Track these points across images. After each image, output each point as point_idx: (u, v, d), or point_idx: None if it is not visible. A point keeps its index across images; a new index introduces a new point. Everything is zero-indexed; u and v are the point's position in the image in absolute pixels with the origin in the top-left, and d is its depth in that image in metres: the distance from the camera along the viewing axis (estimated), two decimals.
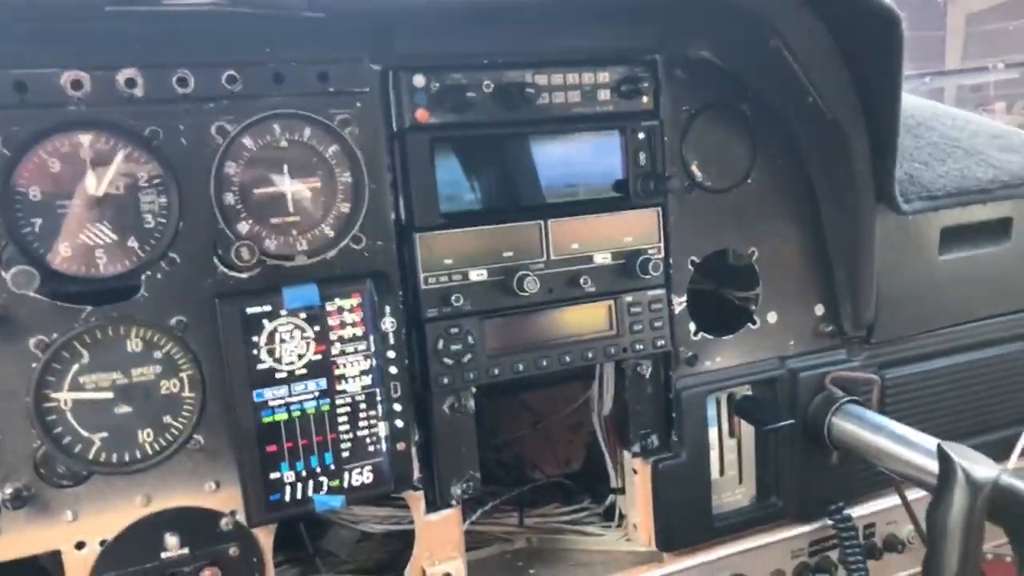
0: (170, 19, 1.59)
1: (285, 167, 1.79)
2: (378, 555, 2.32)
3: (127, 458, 1.70)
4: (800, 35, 1.88)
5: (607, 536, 2.41)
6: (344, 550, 2.33)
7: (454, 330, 1.92)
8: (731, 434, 2.37)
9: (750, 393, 2.34)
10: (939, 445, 1.73)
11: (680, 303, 2.19)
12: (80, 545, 1.69)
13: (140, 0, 1.36)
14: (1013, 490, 1.68)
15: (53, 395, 1.63)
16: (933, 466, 1.85)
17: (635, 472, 2.29)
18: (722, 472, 2.36)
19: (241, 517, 1.80)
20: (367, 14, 1.72)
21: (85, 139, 1.63)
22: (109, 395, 1.67)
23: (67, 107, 1.60)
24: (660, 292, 2.13)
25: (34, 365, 1.61)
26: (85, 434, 1.66)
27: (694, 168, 2.18)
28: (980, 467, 1.66)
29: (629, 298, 2.09)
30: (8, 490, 1.60)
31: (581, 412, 2.51)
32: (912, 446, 2.03)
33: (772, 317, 2.31)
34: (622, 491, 2.40)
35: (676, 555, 2.27)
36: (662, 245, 2.12)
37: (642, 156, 2.07)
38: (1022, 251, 2.60)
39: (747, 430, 2.38)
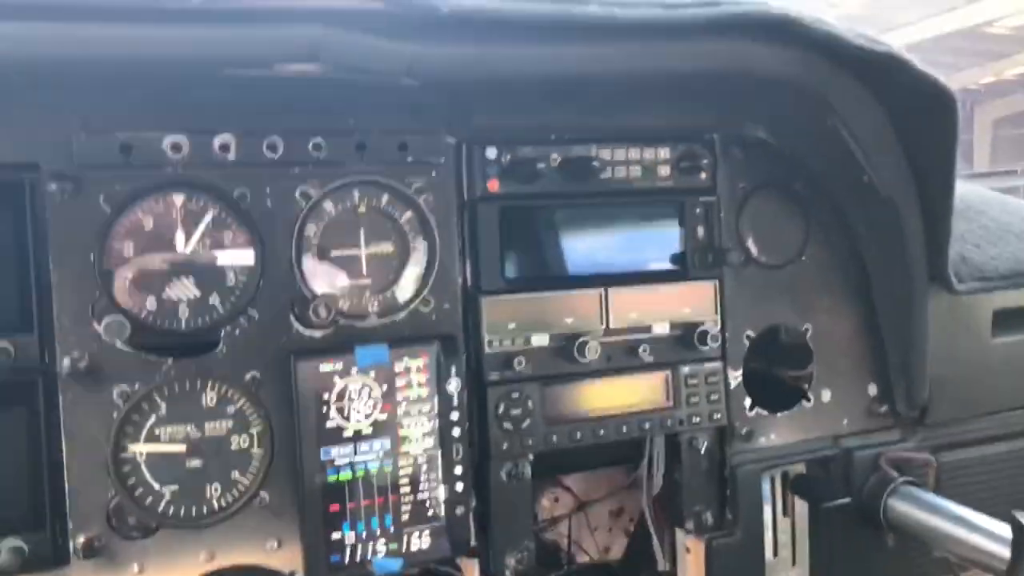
0: (265, 89, 1.70)
1: (361, 231, 1.86)
2: None
3: (194, 512, 1.72)
4: (858, 114, 1.95)
5: None
6: None
7: (515, 395, 1.95)
8: (784, 514, 2.35)
9: (804, 472, 2.32)
10: (1013, 515, 1.71)
11: (736, 377, 2.20)
12: None
13: (255, 63, 1.45)
14: None
15: (130, 446, 1.67)
16: (999, 549, 1.82)
17: (688, 551, 2.26)
18: (776, 553, 2.33)
19: None
20: (447, 88, 1.81)
21: (178, 199, 1.72)
22: (182, 448, 1.70)
23: (166, 169, 1.69)
24: (717, 365, 2.15)
25: (115, 415, 1.65)
26: (157, 487, 1.69)
27: (749, 244, 2.22)
28: None
29: (686, 369, 2.11)
30: (81, 539, 1.62)
31: (622, 498, 2.50)
32: (976, 528, 2.00)
33: (826, 395, 2.32)
34: (672, 574, 2.36)
35: None
36: (719, 318, 2.15)
37: (700, 230, 2.12)
38: None
39: (800, 510, 2.35)
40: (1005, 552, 1.81)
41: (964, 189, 2.67)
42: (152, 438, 1.68)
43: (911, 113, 1.94)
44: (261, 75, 1.50)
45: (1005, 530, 1.85)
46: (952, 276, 2.20)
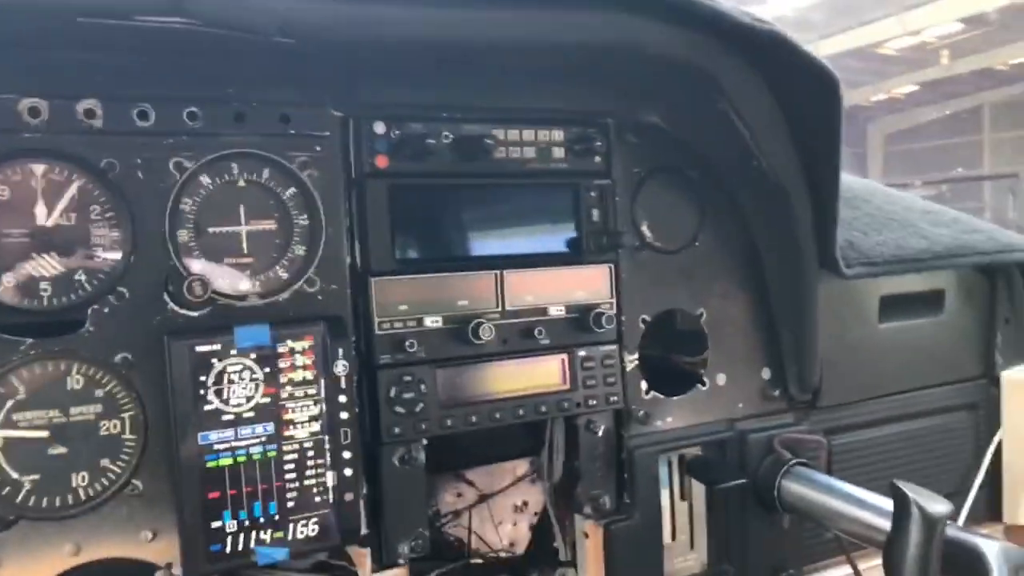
0: (134, 51, 1.61)
1: (241, 207, 1.78)
2: None
3: (58, 503, 1.60)
4: (747, 98, 1.98)
5: None
6: None
7: (407, 378, 1.89)
8: (682, 497, 2.36)
9: (700, 454, 2.33)
10: (893, 483, 1.74)
11: (632, 361, 2.20)
12: None
13: (113, 13, 1.36)
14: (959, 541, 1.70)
15: None
16: (883, 523, 1.85)
17: (586, 536, 2.24)
18: (674, 536, 2.33)
19: (178, 570, 1.69)
20: (332, 59, 1.75)
21: (39, 168, 1.61)
22: (45, 434, 1.59)
23: (23, 134, 1.58)
24: (613, 348, 2.14)
25: None
26: (15, 476, 1.57)
27: (644, 228, 2.23)
28: (934, 503, 1.68)
29: (583, 352, 2.10)
30: None
31: (526, 491, 2.47)
32: (863, 505, 2.04)
33: (721, 379, 2.34)
34: (572, 564, 2.34)
35: None
36: (614, 301, 2.15)
37: (595, 213, 2.12)
38: (953, 324, 2.71)
39: (698, 493, 2.37)
40: (888, 525, 1.85)
41: (850, 180, 2.76)
42: (9, 424, 1.56)
43: (797, 96, 1.98)
44: (125, 31, 1.41)
45: (890, 505, 1.89)
46: (840, 261, 2.26)
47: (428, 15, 1.60)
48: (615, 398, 2.14)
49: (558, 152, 2.08)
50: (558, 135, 2.08)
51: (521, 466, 2.44)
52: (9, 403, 1.57)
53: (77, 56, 1.58)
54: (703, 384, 2.31)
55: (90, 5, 1.35)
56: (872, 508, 2.01)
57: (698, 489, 2.36)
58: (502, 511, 2.53)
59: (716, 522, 2.35)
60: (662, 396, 2.26)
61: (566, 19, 1.71)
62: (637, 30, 1.76)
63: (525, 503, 2.51)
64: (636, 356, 2.21)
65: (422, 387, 1.90)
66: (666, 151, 2.24)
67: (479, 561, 2.48)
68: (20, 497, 1.57)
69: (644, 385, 2.23)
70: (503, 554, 2.53)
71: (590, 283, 2.12)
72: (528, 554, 2.55)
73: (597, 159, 2.13)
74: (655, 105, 2.18)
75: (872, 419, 2.55)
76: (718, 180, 2.28)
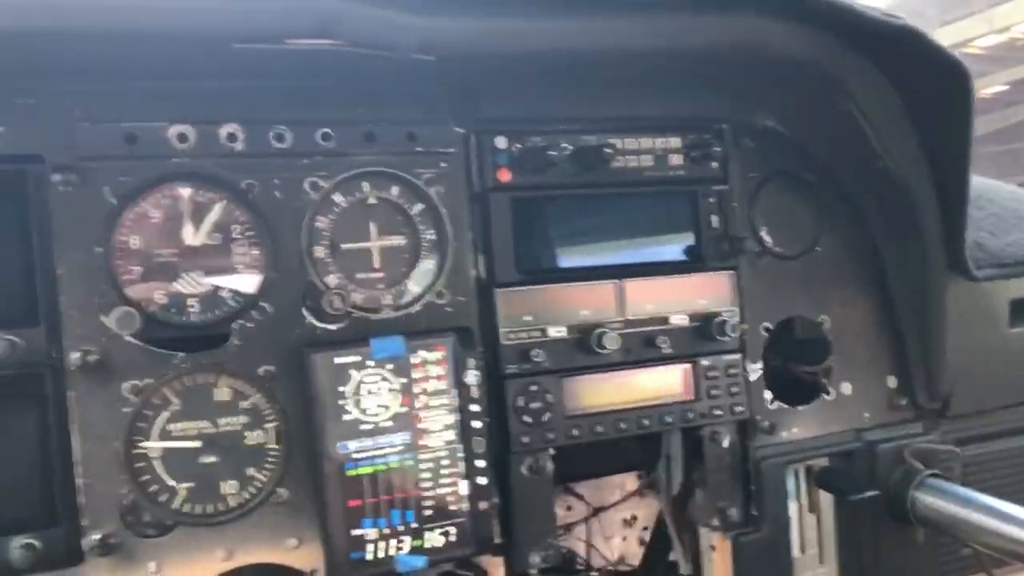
0: (271, 77, 1.68)
1: (372, 224, 1.83)
2: None
3: (211, 509, 1.67)
4: (872, 98, 1.93)
5: None
6: None
7: (533, 388, 1.90)
8: (810, 510, 2.29)
9: (827, 465, 2.27)
10: None
11: (756, 370, 2.16)
12: None
13: (267, 37, 1.43)
14: None
15: (143, 443, 1.61)
16: None
17: (713, 548, 2.20)
18: (803, 549, 2.26)
19: None
20: (456, 78, 1.79)
21: (185, 191, 1.69)
22: (197, 444, 1.65)
23: (171, 159, 1.66)
24: (736, 357, 2.11)
25: (126, 410, 1.60)
26: (171, 483, 1.64)
27: (763, 234, 2.20)
28: None
29: (706, 362, 2.07)
30: (95, 537, 1.56)
31: (635, 505, 2.43)
32: (1008, 519, 1.94)
33: (846, 388, 2.27)
34: None
35: None
36: (737, 309, 2.12)
37: (714, 219, 2.10)
38: None
39: (826, 506, 2.30)
40: None
41: (973, 179, 2.66)
42: (165, 434, 1.63)
43: (925, 92, 1.93)
44: (269, 56, 1.47)
45: None
46: (970, 263, 2.18)
47: (562, 27, 1.63)
48: (740, 408, 2.10)
49: (675, 159, 2.07)
50: (675, 142, 2.07)
51: (630, 479, 2.41)
52: (165, 414, 1.64)
53: (218, 84, 1.66)
54: (827, 393, 2.25)
55: (246, 31, 1.42)
56: (1019, 522, 1.92)
57: (826, 502, 2.28)
58: (612, 525, 2.49)
59: (846, 535, 2.27)
60: (786, 406, 2.21)
61: (695, 24, 1.71)
62: (765, 31, 1.75)
63: (634, 517, 2.48)
64: (760, 365, 2.17)
65: (548, 397, 1.91)
66: (783, 155, 2.20)
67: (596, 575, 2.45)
68: (176, 503, 1.64)
69: (768, 395, 2.19)
70: (621, 567, 2.51)
71: (712, 290, 2.10)
72: (645, 568, 2.51)
73: (714, 165, 2.11)
74: (772, 108, 2.15)
75: (1006, 428, 2.44)
76: (838, 183, 2.23)
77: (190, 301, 1.68)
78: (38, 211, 1.58)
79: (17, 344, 1.51)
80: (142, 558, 1.61)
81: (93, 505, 1.58)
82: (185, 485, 1.64)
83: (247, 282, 1.73)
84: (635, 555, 2.54)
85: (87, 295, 1.59)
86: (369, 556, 1.71)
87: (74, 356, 1.57)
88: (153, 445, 1.62)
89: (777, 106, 2.14)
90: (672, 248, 2.10)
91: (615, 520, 2.47)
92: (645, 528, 2.46)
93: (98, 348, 1.58)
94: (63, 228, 1.59)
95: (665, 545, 2.39)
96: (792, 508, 2.23)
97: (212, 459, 1.66)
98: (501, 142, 1.91)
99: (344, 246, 1.81)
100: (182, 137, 1.66)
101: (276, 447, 1.71)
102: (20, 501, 1.53)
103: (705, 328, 2.06)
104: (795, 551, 2.23)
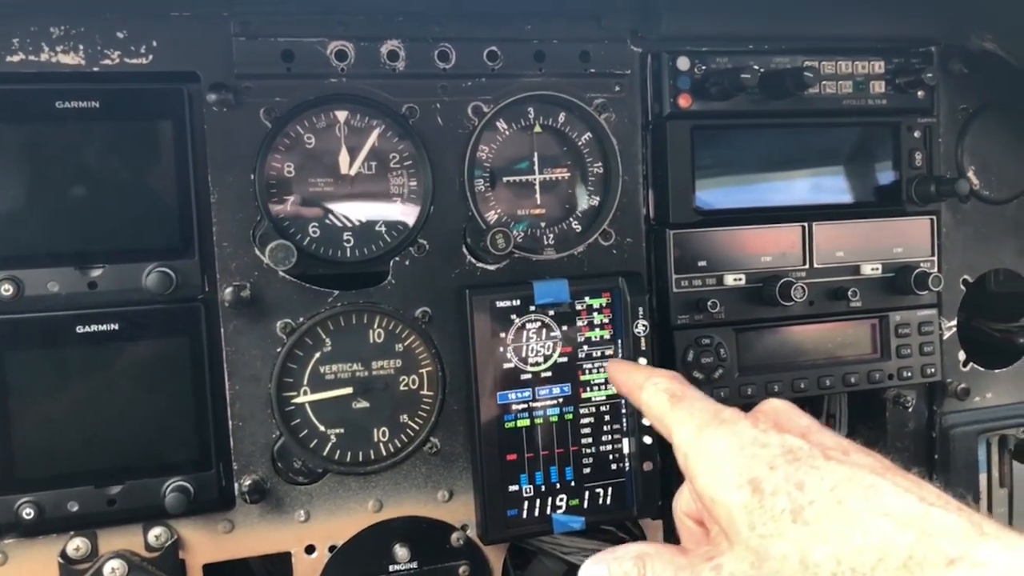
0: None
1: (535, 155, 1.67)
2: None
3: (361, 457, 1.58)
4: None
5: None
6: None
7: (705, 340, 1.72)
8: (1001, 484, 2.05)
9: None
10: None
11: (950, 327, 1.92)
12: (310, 549, 1.57)
13: None
14: None
15: (295, 383, 1.53)
16: None
17: None
18: None
19: (473, 533, 1.64)
20: None
21: (341, 115, 1.56)
22: (348, 389, 1.56)
23: (329, 79, 1.52)
24: (932, 312, 1.87)
25: (278, 350, 1.52)
26: (322, 428, 1.56)
27: (970, 175, 1.92)
28: None
29: (898, 317, 1.84)
30: (247, 481, 1.50)
31: None
32: None
33: None
34: None
35: None
36: (935, 259, 1.87)
37: (917, 156, 1.84)
38: None
39: (1020, 481, 2.05)
40: None
41: None
42: (317, 376, 1.54)
43: None
44: None
45: None
46: None
47: None
48: (932, 370, 1.87)
49: (878, 86, 1.81)
50: (878, 66, 1.80)
51: None
52: (317, 354, 1.55)
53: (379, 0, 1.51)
54: None
55: None
56: None
57: (1020, 476, 2.04)
58: None
59: None
60: (982, 368, 1.96)
61: None
62: None
63: None
64: (954, 323, 1.92)
65: (721, 351, 1.73)
66: (1001, 84, 1.90)
67: None
68: (327, 450, 1.56)
69: (962, 356, 1.94)
70: None
71: (909, 238, 1.85)
72: None
73: (921, 94, 1.84)
74: (991, 28, 1.84)
75: None
76: None
77: (345, 235, 1.57)
78: (193, 135, 1.48)
79: (171, 276, 1.43)
80: (292, 505, 1.55)
81: (243, 448, 1.52)
82: (335, 431, 1.56)
83: (405, 216, 1.60)
84: None
85: (240, 226, 1.50)
86: (524, 514, 1.59)
87: (227, 291, 1.49)
88: (305, 387, 1.53)
89: (998, 24, 1.83)
90: (866, 188, 1.86)
91: None
92: None
93: (250, 283, 1.50)
94: (217, 152, 1.49)
95: None
96: (981, 481, 2.00)
97: (364, 404, 1.57)
98: (683, 63, 1.69)
99: (505, 179, 1.66)
100: (341, 54, 1.52)
101: (430, 393, 1.61)
102: (175, 443, 1.48)
103: (900, 280, 1.82)
104: None
